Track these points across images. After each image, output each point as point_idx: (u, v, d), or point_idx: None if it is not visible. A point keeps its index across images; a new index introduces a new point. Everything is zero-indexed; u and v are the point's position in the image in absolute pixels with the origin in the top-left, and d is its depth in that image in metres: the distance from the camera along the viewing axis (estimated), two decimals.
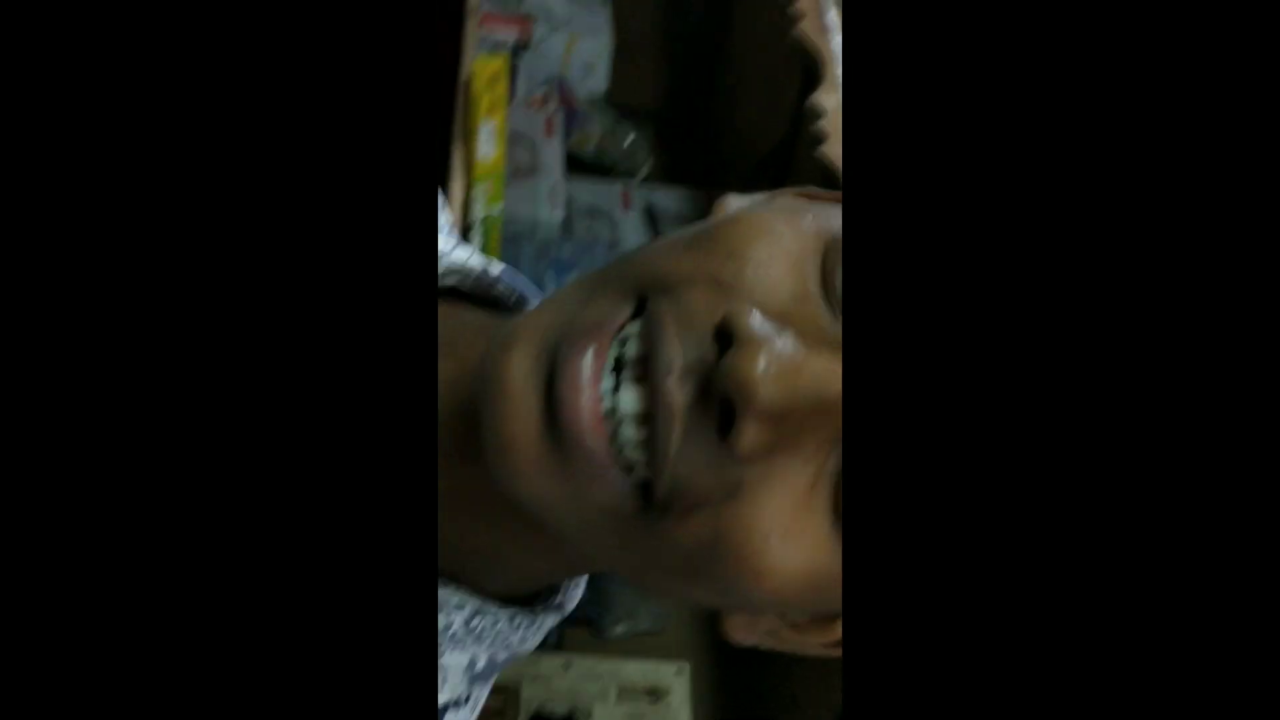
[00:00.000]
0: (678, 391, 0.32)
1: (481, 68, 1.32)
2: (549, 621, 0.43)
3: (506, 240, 1.35)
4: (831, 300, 0.33)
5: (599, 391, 0.32)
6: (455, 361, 0.39)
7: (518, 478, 0.34)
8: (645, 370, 0.32)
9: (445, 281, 0.44)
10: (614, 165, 1.75)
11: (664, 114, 1.88)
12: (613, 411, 0.33)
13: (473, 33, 1.37)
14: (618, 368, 0.33)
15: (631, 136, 1.76)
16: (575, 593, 0.46)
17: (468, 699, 0.42)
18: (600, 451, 0.32)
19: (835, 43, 1.12)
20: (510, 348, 0.33)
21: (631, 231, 1.62)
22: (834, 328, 0.33)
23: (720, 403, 0.31)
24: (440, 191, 0.48)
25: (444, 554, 0.39)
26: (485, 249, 1.25)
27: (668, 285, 0.33)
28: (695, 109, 1.87)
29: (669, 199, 1.70)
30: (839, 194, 0.41)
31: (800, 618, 0.39)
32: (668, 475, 0.32)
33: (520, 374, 0.33)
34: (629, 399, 0.33)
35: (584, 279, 0.36)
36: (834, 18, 1.14)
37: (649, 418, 0.32)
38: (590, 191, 1.64)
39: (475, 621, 0.40)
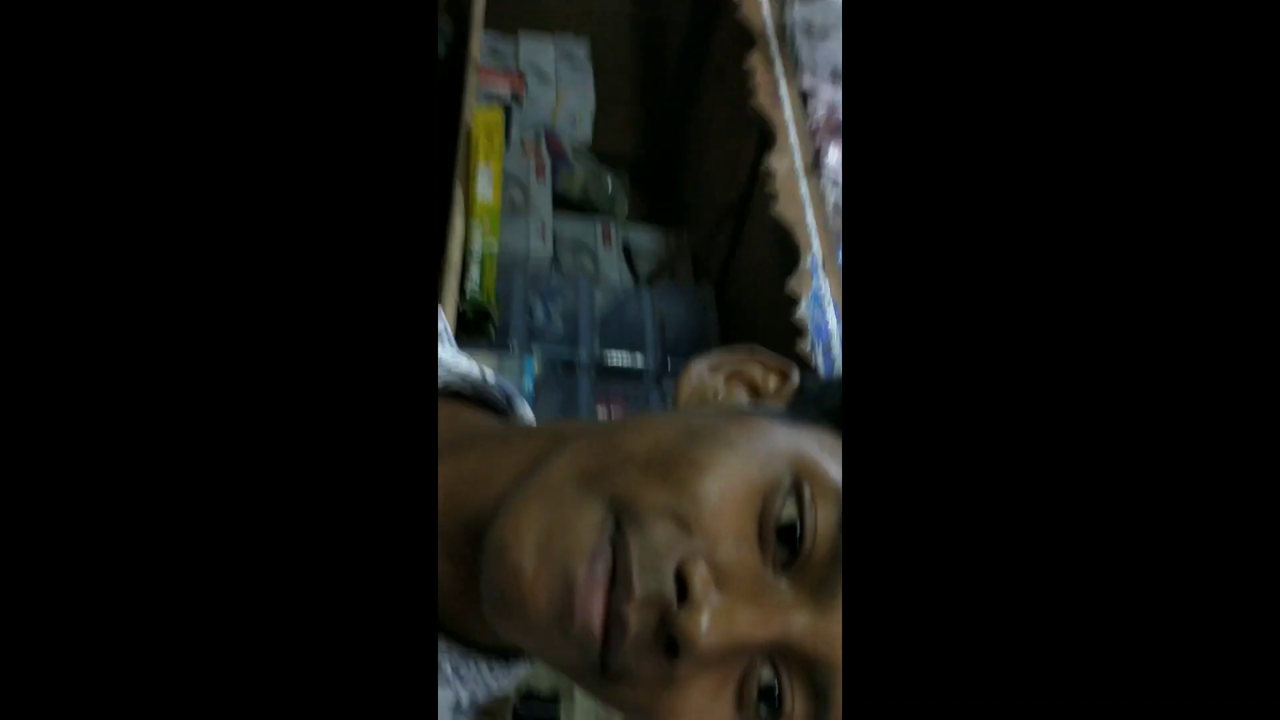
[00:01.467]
0: (633, 618, 0.36)
1: (481, 117, 1.33)
2: (521, 670, 0.46)
3: (501, 271, 1.34)
4: (764, 544, 0.37)
5: (606, 607, 0.36)
6: (455, 458, 0.43)
7: (511, 629, 0.38)
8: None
9: (449, 386, 0.47)
10: (596, 206, 1.75)
11: (640, 162, 1.89)
12: None
13: (473, 83, 1.38)
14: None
15: (611, 181, 1.76)
16: None
17: None
18: (596, 639, 0.36)
19: (786, 113, 1.15)
20: (522, 543, 0.37)
21: (611, 266, 1.62)
22: (761, 574, 0.37)
23: (669, 637, 0.36)
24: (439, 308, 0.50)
25: (440, 614, 0.43)
26: (482, 279, 1.27)
27: (637, 515, 0.37)
28: (667, 159, 1.88)
29: (643, 236, 1.72)
30: (781, 366, 0.46)
31: None
32: (619, 664, 0.37)
33: (534, 570, 0.37)
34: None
35: (569, 471, 0.39)
36: (785, 91, 1.17)
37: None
38: (575, 229, 1.65)
39: (461, 669, 0.43)
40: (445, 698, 0.44)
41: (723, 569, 0.36)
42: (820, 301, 0.98)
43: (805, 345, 0.95)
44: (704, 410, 0.44)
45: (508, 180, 1.57)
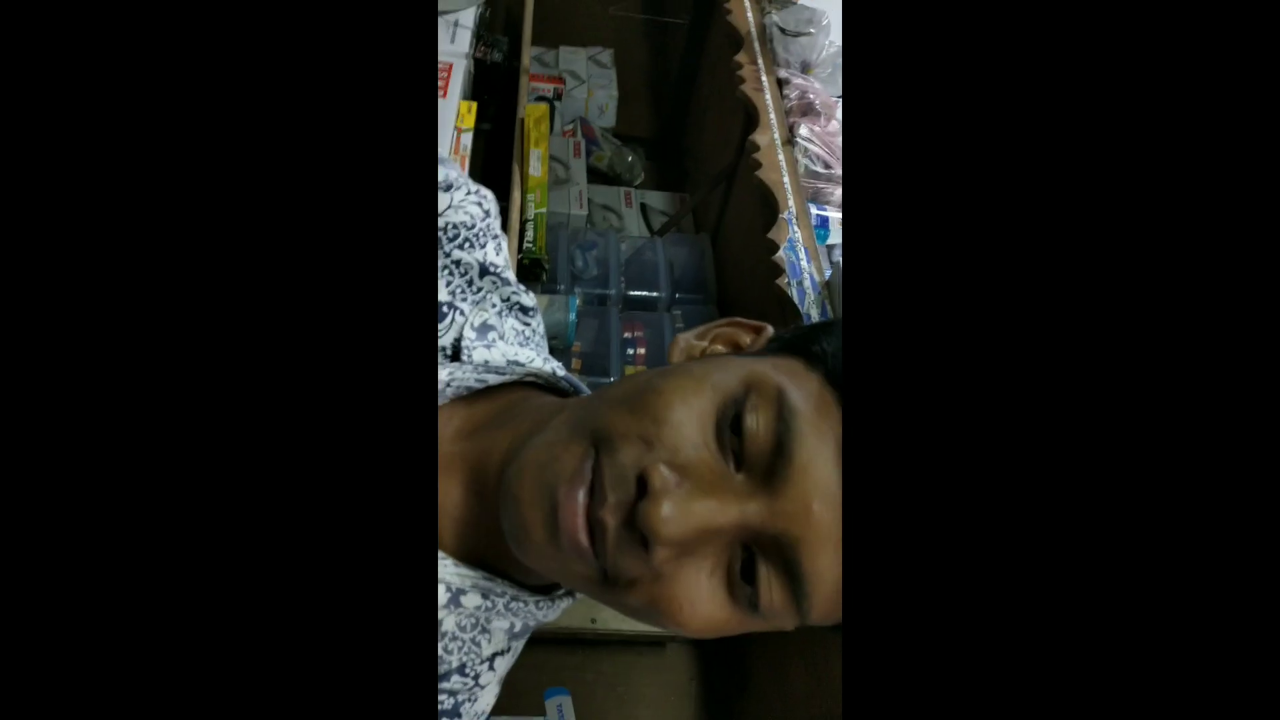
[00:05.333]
0: (610, 519, 0.32)
1: (531, 111, 1.28)
2: (563, 604, 0.43)
3: (549, 230, 1.32)
4: (722, 446, 0.33)
5: (585, 517, 0.33)
6: (512, 427, 0.40)
7: (529, 556, 0.35)
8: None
9: (525, 378, 0.44)
10: (620, 176, 1.71)
11: (653, 141, 1.83)
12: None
13: (525, 86, 1.33)
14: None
15: (631, 156, 1.72)
16: None
17: (507, 650, 0.43)
18: (587, 550, 0.33)
19: (767, 98, 1.08)
20: (520, 478, 0.34)
21: (632, 222, 1.59)
22: (720, 468, 0.33)
23: (640, 531, 0.32)
24: (536, 313, 0.47)
25: (501, 560, 0.40)
26: (535, 237, 1.23)
27: (610, 441, 0.33)
28: (673, 137, 1.82)
29: (656, 199, 1.67)
30: (758, 325, 0.41)
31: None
32: (611, 566, 0.33)
33: (528, 500, 0.34)
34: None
35: (566, 419, 0.36)
36: (765, 81, 1.10)
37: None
38: (604, 194, 1.61)
39: (513, 604, 0.40)
40: (502, 624, 0.41)
41: (684, 469, 0.32)
42: (794, 247, 0.93)
43: (783, 281, 0.90)
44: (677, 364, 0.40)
45: (552, 160, 1.53)
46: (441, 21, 1.27)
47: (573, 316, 1.17)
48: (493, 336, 0.44)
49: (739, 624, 0.34)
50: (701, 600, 0.33)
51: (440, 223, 0.45)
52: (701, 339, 0.42)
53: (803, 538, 0.32)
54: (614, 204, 1.60)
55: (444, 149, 1.13)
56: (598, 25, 1.78)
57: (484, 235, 0.46)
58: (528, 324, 0.47)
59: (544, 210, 1.23)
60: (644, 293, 1.38)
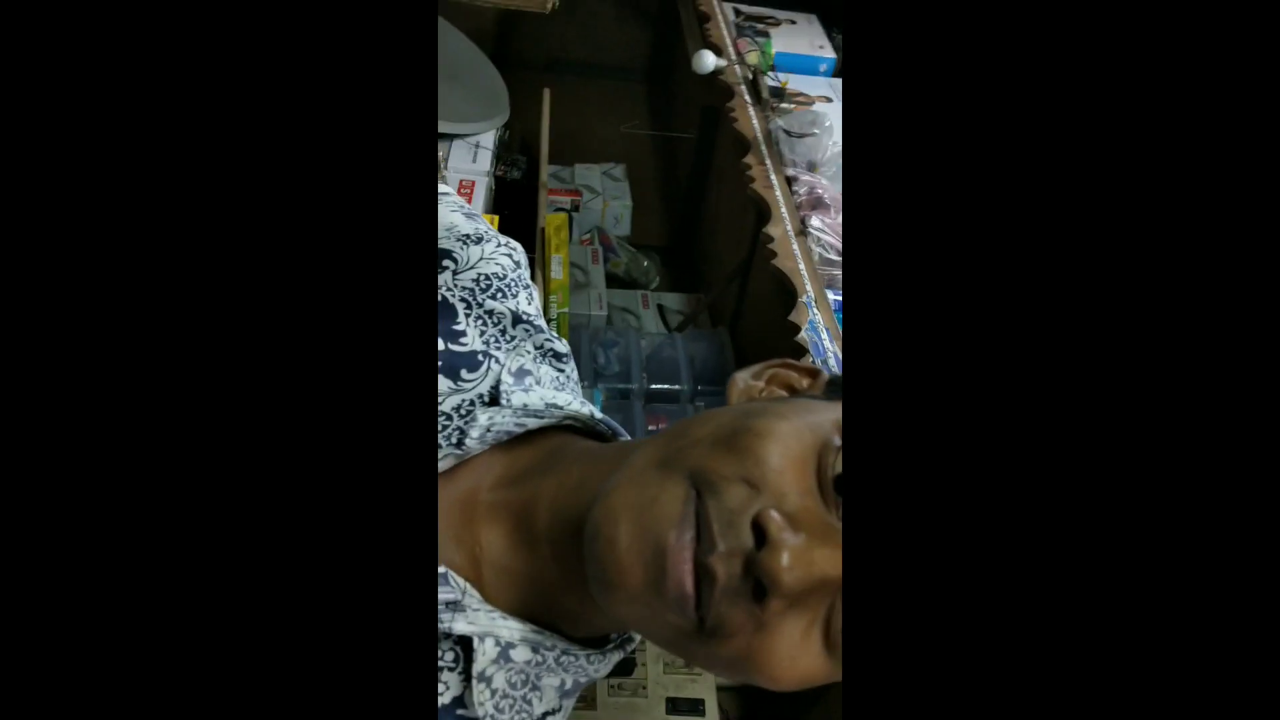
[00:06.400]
0: (720, 569, 0.32)
1: (551, 221, 1.35)
2: (615, 657, 0.42)
3: (571, 329, 1.36)
4: (825, 494, 0.33)
5: (693, 564, 0.32)
6: (560, 473, 0.40)
7: (615, 603, 0.34)
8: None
9: (563, 420, 0.44)
10: (636, 280, 1.76)
11: (667, 247, 1.88)
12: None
13: (544, 199, 1.39)
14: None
15: (647, 262, 1.77)
16: (635, 637, 0.45)
17: (559, 709, 0.41)
18: (690, 598, 0.32)
19: (777, 193, 1.13)
20: (615, 521, 0.33)
21: (650, 321, 1.62)
22: (828, 519, 0.33)
23: (756, 580, 0.31)
24: (569, 360, 0.47)
25: (550, 612, 0.39)
26: (559, 335, 1.26)
27: (713, 484, 0.33)
28: (686, 242, 1.88)
29: (672, 299, 1.71)
30: (812, 368, 0.42)
31: None
32: (714, 616, 0.32)
33: (627, 543, 0.33)
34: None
35: (650, 458, 0.35)
36: (774, 178, 1.16)
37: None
38: (622, 297, 1.66)
39: (564, 658, 0.39)
40: (552, 682, 0.39)
41: (793, 517, 0.32)
42: (816, 328, 0.95)
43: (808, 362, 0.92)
44: (753, 403, 0.41)
45: (572, 266, 1.58)
46: (463, 143, 1.35)
47: (599, 412, 1.18)
48: (529, 381, 0.44)
49: (830, 677, 0.33)
50: (802, 654, 0.32)
51: (473, 274, 0.47)
52: (758, 379, 0.42)
53: None
54: (632, 306, 1.64)
55: None
56: (610, 142, 1.88)
57: (515, 285, 0.48)
58: (562, 370, 0.47)
59: (566, 310, 1.27)
60: (666, 385, 1.40)
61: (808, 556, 0.31)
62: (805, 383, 0.42)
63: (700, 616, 0.32)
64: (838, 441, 0.33)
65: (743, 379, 0.42)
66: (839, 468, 0.33)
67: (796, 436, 0.34)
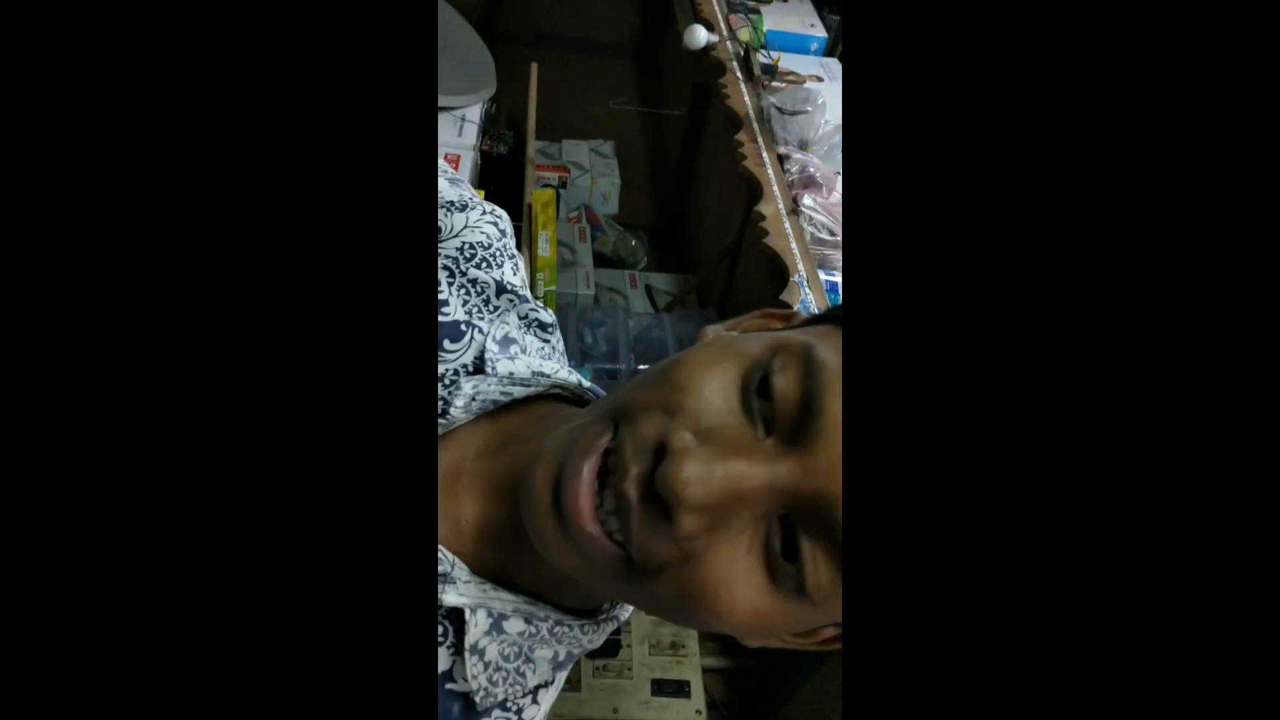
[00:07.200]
0: (632, 491, 0.30)
1: (538, 197, 1.32)
2: (609, 627, 0.41)
3: (558, 308, 1.34)
4: (749, 411, 0.31)
5: (593, 495, 0.30)
6: (541, 439, 0.38)
7: (546, 551, 0.32)
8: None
9: (552, 389, 0.43)
10: (624, 260, 1.74)
11: (655, 226, 1.87)
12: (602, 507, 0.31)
13: (531, 175, 1.37)
14: (607, 476, 0.31)
15: (635, 241, 1.75)
16: (627, 608, 0.43)
17: (551, 682, 0.40)
18: (595, 534, 0.30)
19: (769, 171, 1.12)
20: (536, 465, 0.32)
21: (638, 301, 1.61)
22: (746, 433, 0.30)
23: (662, 500, 0.29)
24: (555, 329, 0.46)
25: (539, 582, 0.38)
26: None
27: (631, 414, 0.31)
28: (675, 222, 1.86)
29: (661, 280, 1.70)
30: (789, 312, 0.39)
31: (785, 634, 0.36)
32: (636, 548, 0.30)
33: (540, 484, 0.31)
34: (609, 499, 0.31)
35: (591, 409, 0.34)
36: (766, 156, 1.14)
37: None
38: (609, 277, 1.63)
39: (557, 629, 0.38)
40: (545, 654, 0.38)
41: (708, 434, 0.30)
42: (808, 308, 0.93)
43: None
44: None
45: (560, 244, 1.56)
46: (449, 116, 1.32)
47: (586, 380, 1.17)
48: (515, 349, 0.42)
49: (785, 614, 0.30)
50: (739, 583, 0.30)
51: (457, 243, 0.45)
52: (732, 330, 0.40)
53: (841, 494, 0.28)
54: (620, 286, 1.62)
55: None
56: (599, 118, 1.86)
57: (500, 255, 0.46)
58: (548, 340, 0.46)
59: (553, 288, 1.25)
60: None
61: (709, 467, 0.29)
62: (779, 326, 0.39)
63: (629, 556, 0.31)
64: (766, 357, 0.31)
65: (714, 329, 0.39)
66: (759, 379, 0.30)
67: (720, 360, 0.32)
